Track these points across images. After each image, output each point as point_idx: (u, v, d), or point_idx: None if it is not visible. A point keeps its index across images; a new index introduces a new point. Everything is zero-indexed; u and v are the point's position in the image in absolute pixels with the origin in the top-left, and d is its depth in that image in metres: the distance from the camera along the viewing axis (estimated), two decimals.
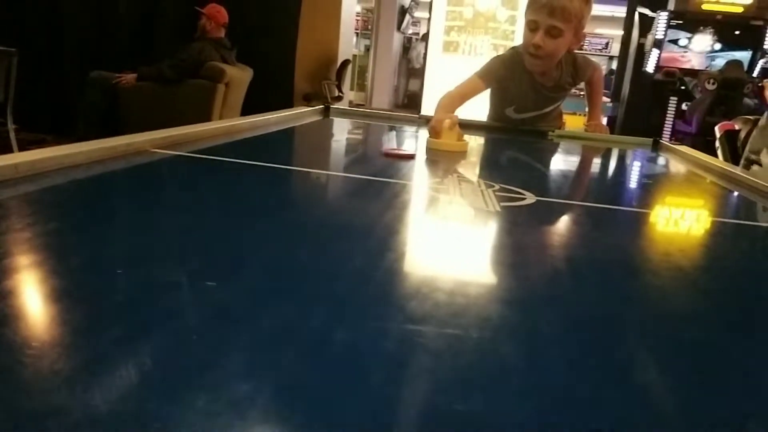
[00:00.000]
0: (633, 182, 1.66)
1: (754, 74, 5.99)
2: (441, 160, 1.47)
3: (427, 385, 0.38)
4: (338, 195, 1.12)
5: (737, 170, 1.56)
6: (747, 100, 5.64)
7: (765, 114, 2.32)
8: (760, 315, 0.61)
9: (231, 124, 1.55)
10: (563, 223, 0.99)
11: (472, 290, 0.60)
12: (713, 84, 5.67)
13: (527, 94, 1.96)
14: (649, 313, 0.58)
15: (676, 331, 0.54)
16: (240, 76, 4.48)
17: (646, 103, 6.30)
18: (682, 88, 6.14)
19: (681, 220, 1.07)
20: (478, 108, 2.12)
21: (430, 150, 1.52)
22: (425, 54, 5.22)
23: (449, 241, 0.79)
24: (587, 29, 1.85)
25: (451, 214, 0.92)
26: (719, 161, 1.95)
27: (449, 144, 1.50)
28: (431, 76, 4.91)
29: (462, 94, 1.86)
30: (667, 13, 6.08)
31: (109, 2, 4.88)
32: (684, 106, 6.17)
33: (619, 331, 0.52)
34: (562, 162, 1.85)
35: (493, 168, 1.65)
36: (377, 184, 1.12)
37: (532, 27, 1.77)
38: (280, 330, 0.44)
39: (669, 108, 6.08)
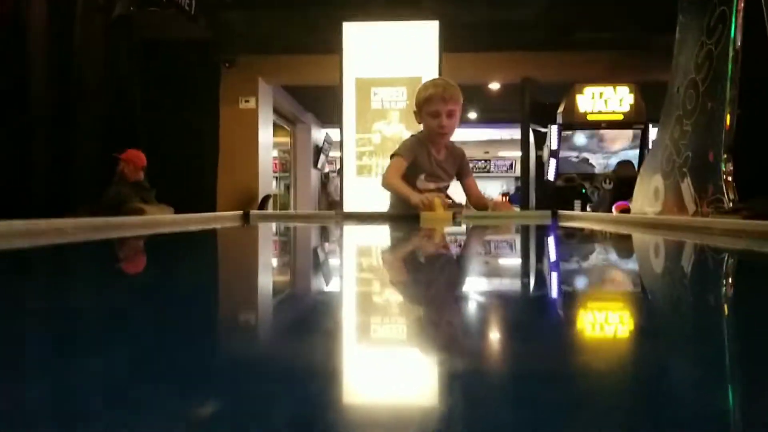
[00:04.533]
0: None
1: None
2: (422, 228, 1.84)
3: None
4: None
5: (628, 215, 1.72)
6: None
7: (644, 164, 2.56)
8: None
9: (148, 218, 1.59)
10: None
11: None
12: (610, 183, 6.17)
13: (432, 164, 2.40)
14: None
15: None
16: (160, 214, 4.52)
17: (553, 209, 6.71)
18: (583, 191, 6.62)
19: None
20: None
21: (426, 220, 1.98)
22: (341, 184, 5.45)
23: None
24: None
25: None
26: (611, 215, 2.12)
27: (444, 215, 2.03)
28: (348, 196, 5.14)
29: (398, 174, 2.32)
30: (557, 126, 6.70)
31: (22, 147, 4.77)
32: (588, 208, 6.62)
33: None
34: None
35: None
36: None
37: (434, 115, 2.27)
38: None
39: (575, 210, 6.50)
